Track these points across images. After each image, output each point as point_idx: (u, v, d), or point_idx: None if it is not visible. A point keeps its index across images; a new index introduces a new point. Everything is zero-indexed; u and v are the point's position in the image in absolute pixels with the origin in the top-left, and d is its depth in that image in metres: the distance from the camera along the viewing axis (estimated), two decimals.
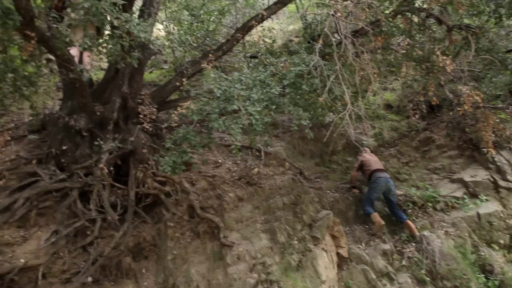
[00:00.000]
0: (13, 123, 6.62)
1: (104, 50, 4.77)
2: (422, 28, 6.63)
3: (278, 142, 8.05)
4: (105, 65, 8.28)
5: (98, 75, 8.35)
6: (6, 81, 5.06)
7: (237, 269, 5.39)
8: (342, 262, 6.16)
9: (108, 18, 4.11)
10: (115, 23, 4.18)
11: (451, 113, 8.64)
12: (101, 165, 5.40)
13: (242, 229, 5.95)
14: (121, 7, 4.24)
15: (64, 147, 5.59)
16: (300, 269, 5.65)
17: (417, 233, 6.53)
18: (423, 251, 6.28)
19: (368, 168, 7.07)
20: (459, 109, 5.98)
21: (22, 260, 4.57)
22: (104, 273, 5.07)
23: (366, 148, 7.63)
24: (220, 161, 7.07)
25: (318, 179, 7.74)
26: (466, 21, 6.60)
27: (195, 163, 5.42)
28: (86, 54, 6.85)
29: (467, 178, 7.47)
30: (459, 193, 7.29)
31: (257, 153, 7.39)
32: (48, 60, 6.82)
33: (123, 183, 5.78)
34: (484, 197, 7.10)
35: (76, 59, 5.89)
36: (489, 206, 6.96)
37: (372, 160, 7.22)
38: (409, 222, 6.65)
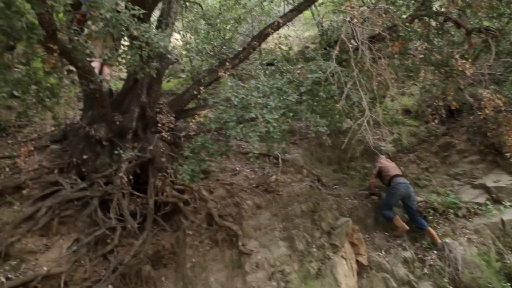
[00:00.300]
0: (36, 134, 6.78)
1: (123, 61, 4.88)
2: (440, 32, 6.55)
3: (296, 149, 8.03)
4: (124, 75, 8.42)
5: (117, 85, 8.49)
6: (30, 93, 5.19)
7: (255, 277, 5.37)
8: (362, 270, 6.07)
9: (127, 29, 4.19)
10: (134, 33, 4.26)
11: (471, 117, 8.50)
12: (120, 174, 5.51)
13: (261, 237, 5.93)
14: (139, 18, 4.33)
15: (84, 157, 5.71)
16: (319, 277, 5.57)
17: (439, 241, 6.39)
18: (445, 259, 6.14)
19: (387, 174, 6.98)
20: (480, 113, 5.87)
21: (45, 268, 4.65)
22: (124, 281, 5.12)
23: (383, 156, 7.53)
24: (238, 168, 7.09)
25: (337, 186, 7.68)
26: (485, 23, 6.47)
27: (213, 171, 5.44)
28: (106, 65, 7.00)
29: (489, 184, 7.28)
30: (481, 199, 7.10)
31: (275, 161, 7.39)
32: (69, 71, 6.97)
33: (142, 192, 5.86)
34: (508, 203, 6.89)
35: (97, 71, 6.00)
36: None
37: (391, 166, 7.14)
38: (430, 229, 6.51)
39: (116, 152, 5.70)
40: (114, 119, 5.92)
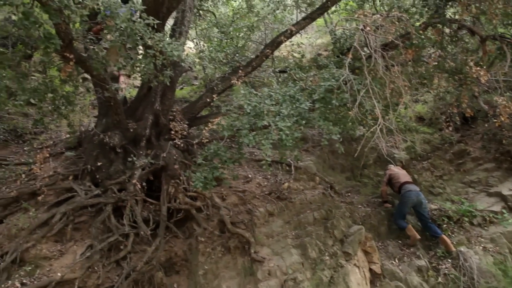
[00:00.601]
0: (52, 141, 6.90)
1: (138, 69, 4.95)
2: (454, 39, 6.51)
3: (308, 157, 8.02)
4: (138, 83, 8.53)
5: (131, 93, 8.59)
6: (46, 101, 5.30)
7: (268, 284, 5.33)
8: (375, 278, 6.00)
9: (142, 38, 4.26)
10: (149, 43, 4.33)
11: (486, 124, 8.40)
12: (134, 181, 5.59)
13: (273, 244, 5.90)
14: (154, 27, 4.40)
15: (99, 163, 5.79)
16: (332, 285, 5.50)
17: (453, 249, 6.29)
18: (460, 268, 6.03)
19: (397, 181, 6.94)
20: (495, 120, 5.81)
21: (59, 274, 4.70)
22: (137, 287, 5.14)
23: (393, 164, 7.49)
24: (250, 176, 7.11)
25: (349, 194, 7.65)
26: (500, 30, 6.41)
27: (226, 178, 5.42)
28: (123, 75, 7.12)
29: (505, 192, 7.17)
30: (497, 207, 6.97)
31: (287, 168, 7.39)
32: (84, 79, 7.11)
33: (155, 199, 5.93)
34: None
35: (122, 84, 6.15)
36: None
37: (401, 174, 7.09)
38: (444, 237, 6.43)
39: (129, 159, 5.78)
40: (128, 127, 6.00)
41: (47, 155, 6.08)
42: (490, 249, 6.27)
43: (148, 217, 5.68)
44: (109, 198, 5.55)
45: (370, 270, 6.03)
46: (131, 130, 6.03)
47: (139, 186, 5.64)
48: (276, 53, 7.96)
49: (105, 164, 5.83)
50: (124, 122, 5.96)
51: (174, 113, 6.53)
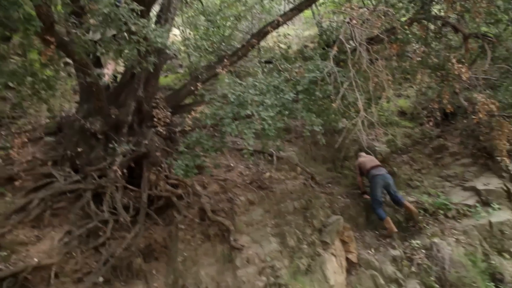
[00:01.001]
0: (31, 125, 6.76)
1: (121, 55, 4.91)
2: (438, 36, 6.59)
3: (291, 147, 8.08)
4: (121, 69, 8.41)
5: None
6: (25, 84, 5.19)
7: (246, 272, 5.42)
8: (351, 267, 6.13)
9: (126, 24, 4.20)
10: (133, 28, 4.27)
11: (465, 121, 8.53)
12: (114, 168, 5.51)
13: (252, 233, 5.96)
14: (138, 13, 4.34)
15: (79, 149, 5.74)
16: (308, 273, 5.63)
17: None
18: (433, 258, 6.21)
19: (365, 169, 7.11)
20: (474, 117, 5.92)
21: (36, 260, 4.67)
22: (115, 274, 5.17)
23: (363, 152, 7.57)
24: (232, 165, 7.13)
25: (330, 184, 7.72)
26: (483, 29, 6.54)
27: (208, 166, 5.49)
28: (111, 61, 7.01)
29: (480, 186, 7.33)
30: (471, 201, 7.15)
31: (269, 158, 7.42)
32: (66, 63, 6.97)
33: (136, 186, 5.88)
34: (497, 206, 6.95)
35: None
36: (502, 215, 6.81)
37: (367, 160, 7.22)
38: (408, 203, 6.79)
39: (111, 145, 5.70)
40: (110, 113, 5.94)
41: (26, 140, 5.98)
42: (462, 241, 6.44)
43: (128, 204, 5.64)
44: (88, 185, 5.51)
45: (347, 259, 6.16)
46: (113, 117, 5.96)
47: (119, 172, 5.57)
48: (262, 43, 7.97)
49: (85, 150, 5.78)
50: (106, 108, 5.89)
51: (158, 101, 6.45)
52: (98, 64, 6.34)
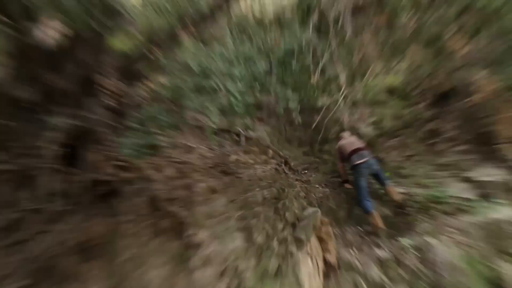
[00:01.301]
0: None
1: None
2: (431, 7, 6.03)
3: (262, 126, 7.41)
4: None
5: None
6: None
7: (204, 274, 4.77)
8: (329, 269, 5.51)
9: None
10: None
11: (463, 102, 7.84)
12: (48, 145, 4.84)
13: (213, 227, 5.30)
14: None
15: (2, 122, 4.87)
16: (278, 276, 4.99)
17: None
18: (424, 260, 5.56)
19: (345, 154, 6.44)
20: (471, 99, 5.35)
21: None
22: (43, 275, 4.44)
23: (344, 133, 6.89)
24: (192, 145, 6.46)
25: (306, 171, 7.13)
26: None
27: (163, 146, 5.13)
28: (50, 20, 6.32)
29: (479, 178, 6.72)
30: (469, 194, 6.53)
31: (236, 138, 6.79)
32: None
33: (74, 167, 5.12)
34: (498, 200, 6.33)
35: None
36: (503, 211, 6.15)
37: (348, 143, 6.53)
38: (391, 187, 6.30)
39: (45, 118, 4.93)
40: (46, 80, 5.11)
41: None
42: (459, 240, 5.80)
43: (62, 189, 4.90)
44: (13, 165, 4.73)
45: (324, 260, 5.54)
46: (50, 85, 5.13)
47: (54, 151, 4.88)
48: (234, 7, 7.19)
49: (12, 124, 4.93)
50: (42, 74, 5.07)
51: (108, 68, 5.69)
52: (30, 18, 5.54)
